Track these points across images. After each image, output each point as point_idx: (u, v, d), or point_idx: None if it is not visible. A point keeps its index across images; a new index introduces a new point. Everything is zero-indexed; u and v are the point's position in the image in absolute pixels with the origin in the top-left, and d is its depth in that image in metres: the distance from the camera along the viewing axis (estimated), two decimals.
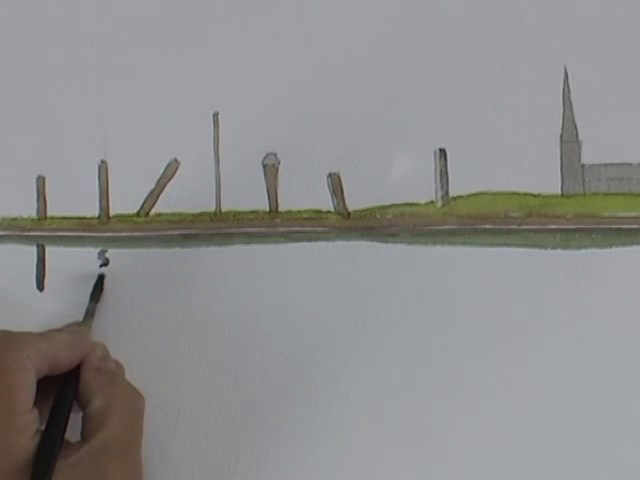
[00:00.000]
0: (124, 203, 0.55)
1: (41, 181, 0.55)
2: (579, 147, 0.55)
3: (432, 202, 0.55)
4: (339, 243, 0.55)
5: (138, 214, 0.55)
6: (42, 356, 0.47)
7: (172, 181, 0.55)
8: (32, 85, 0.56)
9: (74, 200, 0.55)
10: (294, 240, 0.54)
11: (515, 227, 0.54)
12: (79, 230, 0.55)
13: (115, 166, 0.55)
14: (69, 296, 0.54)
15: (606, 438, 0.53)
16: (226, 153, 0.55)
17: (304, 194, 0.55)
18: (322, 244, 0.55)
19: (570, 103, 0.55)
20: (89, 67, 0.56)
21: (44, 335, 0.49)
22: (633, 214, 0.54)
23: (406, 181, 0.55)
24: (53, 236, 0.55)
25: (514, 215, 0.54)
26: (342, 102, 0.55)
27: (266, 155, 0.55)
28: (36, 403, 0.46)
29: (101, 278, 0.53)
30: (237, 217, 0.55)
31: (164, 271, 0.54)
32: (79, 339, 0.50)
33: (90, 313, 0.52)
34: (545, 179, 0.55)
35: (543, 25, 0.55)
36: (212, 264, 0.54)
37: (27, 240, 0.55)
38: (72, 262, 0.54)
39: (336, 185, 0.55)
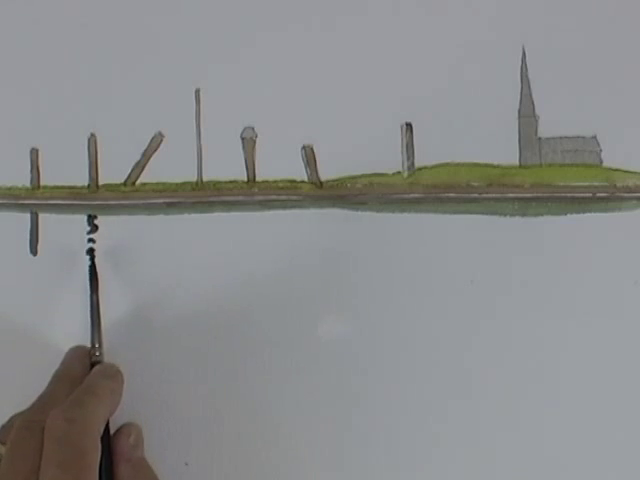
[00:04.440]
0: (112, 173, 0.57)
1: (34, 153, 0.58)
2: (536, 121, 0.57)
3: (399, 172, 0.57)
4: (312, 210, 0.57)
5: (125, 183, 0.57)
6: (104, 422, 0.49)
7: (157, 153, 0.57)
8: (26, 65, 0.58)
9: (65, 171, 0.57)
10: (270, 208, 0.57)
11: (476, 196, 0.57)
12: (70, 198, 0.57)
13: (103, 139, 0.58)
14: (60, 260, 0.57)
15: (563, 395, 0.56)
16: (207, 127, 0.58)
17: (280, 165, 0.57)
18: (296, 212, 0.57)
19: (528, 80, 0.57)
20: (80, 50, 0.58)
21: (98, 396, 0.50)
22: (586, 183, 0.57)
23: (375, 153, 0.57)
24: (46, 204, 0.57)
25: (475, 184, 0.57)
26: (316, 81, 0.58)
27: (244, 129, 0.57)
28: None
29: (93, 266, 0.56)
30: (217, 186, 0.57)
31: (149, 236, 0.57)
32: (120, 386, 0.53)
33: (95, 305, 0.55)
34: (504, 151, 0.57)
35: (505, 7, 0.58)
36: (194, 230, 0.57)
37: (21, 208, 0.57)
38: (63, 228, 0.57)
39: (309, 156, 0.57)
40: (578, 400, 0.56)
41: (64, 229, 0.57)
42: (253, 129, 0.57)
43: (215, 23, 0.58)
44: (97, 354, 0.54)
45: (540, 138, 0.57)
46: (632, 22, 0.58)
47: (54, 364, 0.54)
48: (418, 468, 0.56)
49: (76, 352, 0.55)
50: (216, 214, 0.57)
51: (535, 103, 0.57)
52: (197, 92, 0.58)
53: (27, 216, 0.57)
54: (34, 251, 0.57)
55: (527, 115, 0.57)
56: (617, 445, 0.56)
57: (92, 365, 0.54)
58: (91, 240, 0.57)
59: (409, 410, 0.56)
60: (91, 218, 0.57)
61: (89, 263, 0.56)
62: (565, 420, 0.56)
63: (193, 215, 0.57)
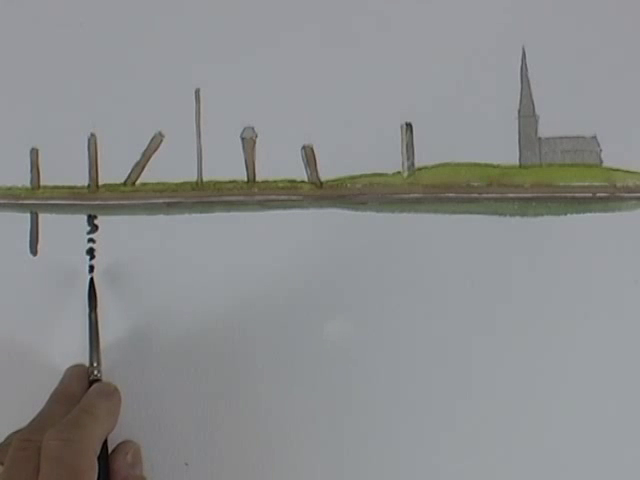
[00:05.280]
0: (112, 173, 0.57)
1: (34, 153, 0.57)
2: (536, 121, 0.57)
3: (399, 172, 0.57)
4: (312, 211, 0.57)
5: (125, 183, 0.57)
6: (101, 441, 0.50)
7: (157, 153, 0.57)
8: (26, 65, 0.58)
9: (65, 171, 0.57)
10: (270, 208, 0.57)
11: (476, 196, 0.57)
12: (70, 198, 0.57)
13: (103, 139, 0.58)
14: (60, 260, 0.57)
15: (564, 395, 0.57)
16: (207, 127, 0.58)
17: (280, 165, 0.57)
18: (296, 211, 0.57)
19: (528, 80, 0.58)
20: (80, 50, 0.58)
21: (95, 415, 0.50)
22: (586, 183, 0.57)
23: (375, 153, 0.57)
24: (46, 204, 0.57)
25: (475, 184, 0.57)
26: (316, 81, 0.58)
27: (244, 129, 0.57)
28: None
29: (92, 285, 0.56)
30: (217, 186, 0.57)
31: (149, 236, 0.57)
32: (117, 405, 0.53)
33: (94, 324, 0.55)
34: (504, 151, 0.57)
35: (505, 8, 0.58)
36: (194, 230, 0.57)
37: (21, 208, 0.57)
38: (63, 228, 0.57)
39: (309, 156, 0.57)
40: (579, 399, 0.56)
41: (64, 229, 0.57)
42: (253, 129, 0.57)
43: (215, 23, 0.58)
44: (95, 372, 0.54)
45: (540, 138, 0.57)
46: (632, 22, 0.59)
47: (52, 383, 0.54)
48: (418, 470, 0.56)
49: (74, 371, 0.55)
50: (216, 214, 0.57)
51: (535, 103, 0.57)
52: (197, 92, 0.58)
53: (27, 216, 0.57)
54: (34, 251, 0.57)
55: (527, 115, 0.57)
56: (618, 445, 0.56)
57: (90, 383, 0.54)
58: (91, 240, 0.57)
59: (409, 411, 0.56)
60: (91, 218, 0.57)
61: (88, 283, 0.56)
62: (566, 420, 0.56)
63: (193, 215, 0.57)
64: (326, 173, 0.57)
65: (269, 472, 0.56)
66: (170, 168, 0.57)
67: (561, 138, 0.57)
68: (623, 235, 0.56)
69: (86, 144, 0.58)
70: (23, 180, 0.57)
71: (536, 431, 0.56)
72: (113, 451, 0.52)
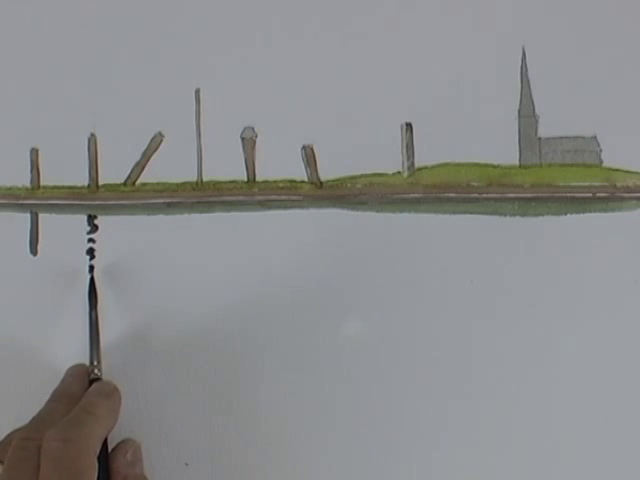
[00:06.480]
0: (112, 173, 0.57)
1: (34, 153, 0.57)
2: (536, 121, 0.57)
3: (399, 172, 0.57)
4: (312, 211, 0.57)
5: (125, 183, 0.57)
6: (101, 441, 0.50)
7: (157, 153, 0.57)
8: (26, 65, 0.58)
9: (65, 171, 0.57)
10: (270, 208, 0.57)
11: (476, 196, 0.57)
12: (70, 198, 0.57)
13: (103, 139, 0.58)
14: (60, 260, 0.57)
15: (563, 395, 0.57)
16: (207, 127, 0.58)
17: (280, 165, 0.57)
18: (296, 211, 0.57)
19: (528, 80, 0.58)
20: (80, 50, 0.58)
21: (95, 415, 0.50)
22: (586, 183, 0.57)
23: (375, 153, 0.57)
24: (46, 204, 0.57)
25: (475, 184, 0.57)
26: (317, 81, 0.58)
27: (244, 129, 0.58)
28: None
29: (92, 283, 0.56)
30: (217, 186, 0.57)
31: (149, 236, 0.57)
32: (117, 404, 0.53)
33: (94, 323, 0.55)
34: (504, 151, 0.57)
35: (505, 7, 0.58)
36: (194, 230, 0.57)
37: (21, 208, 0.57)
38: (63, 228, 0.57)
39: (309, 156, 0.57)
40: (578, 399, 0.56)
41: (64, 229, 0.57)
42: (253, 129, 0.58)
43: (215, 23, 0.58)
44: (96, 371, 0.54)
45: (540, 138, 0.57)
46: (632, 22, 0.59)
47: (53, 382, 0.54)
48: (419, 470, 0.56)
49: (75, 370, 0.55)
50: (216, 214, 0.57)
51: (535, 103, 0.57)
52: (197, 92, 0.58)
53: (27, 216, 0.57)
54: (34, 251, 0.57)
55: (527, 115, 0.57)
56: (617, 444, 0.56)
57: (90, 383, 0.54)
58: (91, 240, 0.57)
59: (409, 409, 0.56)
60: (91, 218, 0.57)
61: (88, 281, 0.56)
62: (565, 419, 0.56)
63: (193, 215, 0.57)
64: (326, 173, 0.57)
65: (269, 472, 0.56)
66: (170, 168, 0.57)
67: (561, 138, 0.57)
68: (623, 235, 0.56)
69: (86, 144, 0.58)
70: (23, 180, 0.57)
71: (535, 429, 0.56)
72: (113, 450, 0.52)
